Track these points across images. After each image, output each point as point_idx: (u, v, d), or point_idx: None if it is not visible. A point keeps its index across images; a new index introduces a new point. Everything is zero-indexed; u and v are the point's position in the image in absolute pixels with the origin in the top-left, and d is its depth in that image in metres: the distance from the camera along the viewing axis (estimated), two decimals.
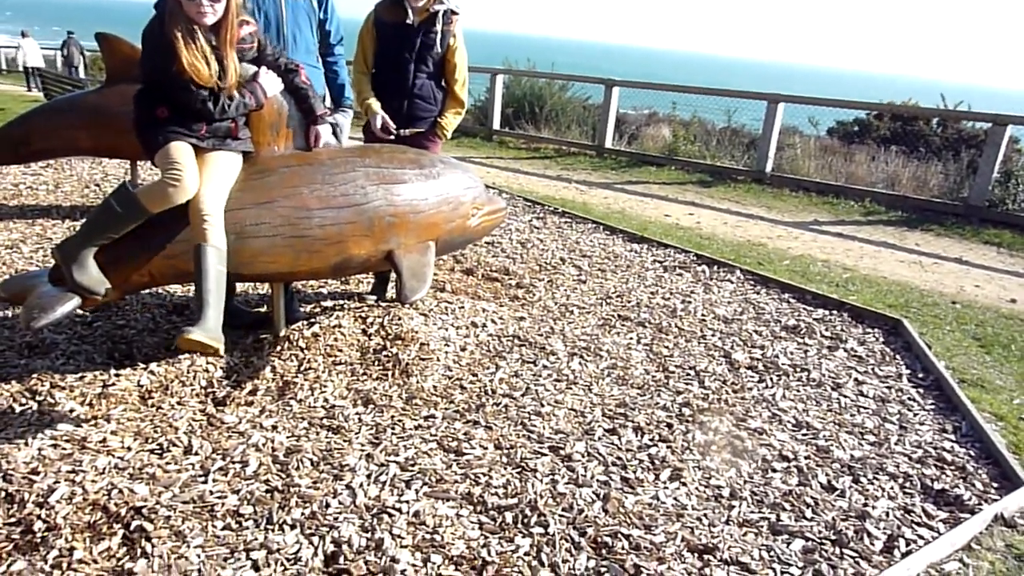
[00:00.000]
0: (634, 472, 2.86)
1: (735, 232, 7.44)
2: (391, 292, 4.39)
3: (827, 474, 2.97)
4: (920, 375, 3.99)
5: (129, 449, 2.76)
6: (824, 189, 9.54)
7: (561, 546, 2.39)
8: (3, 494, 2.42)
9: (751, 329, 4.47)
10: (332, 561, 2.26)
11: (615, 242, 6.29)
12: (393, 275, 3.97)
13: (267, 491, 2.56)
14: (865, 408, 3.58)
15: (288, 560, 2.25)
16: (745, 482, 2.87)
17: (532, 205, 7.52)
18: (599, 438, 3.09)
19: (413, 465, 2.77)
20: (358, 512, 2.48)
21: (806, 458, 3.08)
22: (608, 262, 5.67)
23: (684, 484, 2.81)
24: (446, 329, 3.96)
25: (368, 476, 2.68)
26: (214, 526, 2.37)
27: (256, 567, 2.22)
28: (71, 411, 2.97)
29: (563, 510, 2.57)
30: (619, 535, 2.46)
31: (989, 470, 3.09)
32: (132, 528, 2.31)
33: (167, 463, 2.69)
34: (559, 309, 4.57)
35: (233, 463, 2.71)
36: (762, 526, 2.61)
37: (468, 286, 4.83)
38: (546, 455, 2.93)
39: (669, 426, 3.23)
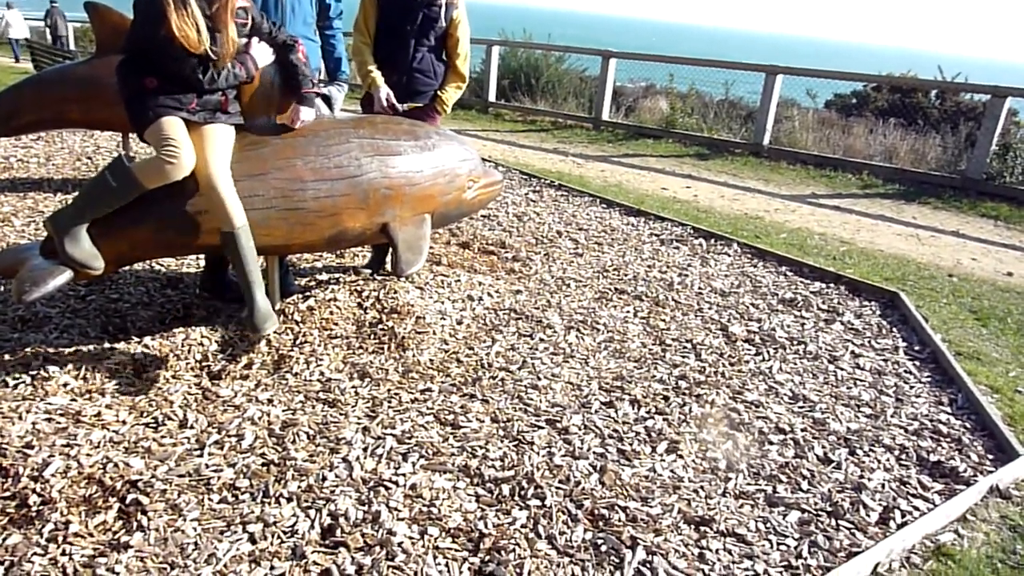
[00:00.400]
0: (631, 445, 2.86)
1: (732, 205, 7.40)
2: (388, 266, 4.36)
3: (823, 446, 2.98)
4: (916, 348, 4.00)
5: (124, 423, 2.74)
6: (822, 162, 9.50)
7: (558, 518, 2.39)
8: None
9: (748, 302, 4.46)
10: (329, 534, 2.26)
11: (612, 215, 6.26)
12: (390, 248, 3.94)
13: (263, 464, 2.56)
14: (861, 381, 3.58)
15: (285, 533, 2.24)
16: (742, 454, 2.87)
17: (528, 178, 7.47)
18: (596, 411, 3.09)
19: (410, 438, 2.77)
20: (355, 485, 2.48)
21: (802, 430, 3.08)
22: (605, 235, 5.64)
23: (681, 456, 2.82)
24: (442, 303, 3.94)
25: (364, 449, 2.67)
26: (210, 499, 2.37)
27: (253, 540, 2.21)
28: (65, 384, 2.95)
29: (560, 482, 2.58)
30: (616, 507, 2.46)
31: (984, 442, 3.10)
32: (128, 502, 2.30)
33: (162, 436, 2.68)
34: (555, 282, 4.55)
35: (229, 436, 2.70)
36: (758, 498, 2.62)
37: (464, 259, 4.80)
38: (543, 428, 2.92)
39: (666, 399, 3.23)
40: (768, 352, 3.80)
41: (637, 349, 3.72)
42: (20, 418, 2.69)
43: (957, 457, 2.97)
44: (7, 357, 3.11)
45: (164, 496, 2.35)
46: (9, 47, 18.84)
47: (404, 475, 2.54)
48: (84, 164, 6.56)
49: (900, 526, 2.51)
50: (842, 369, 3.68)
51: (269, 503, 2.37)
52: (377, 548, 2.20)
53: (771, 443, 2.97)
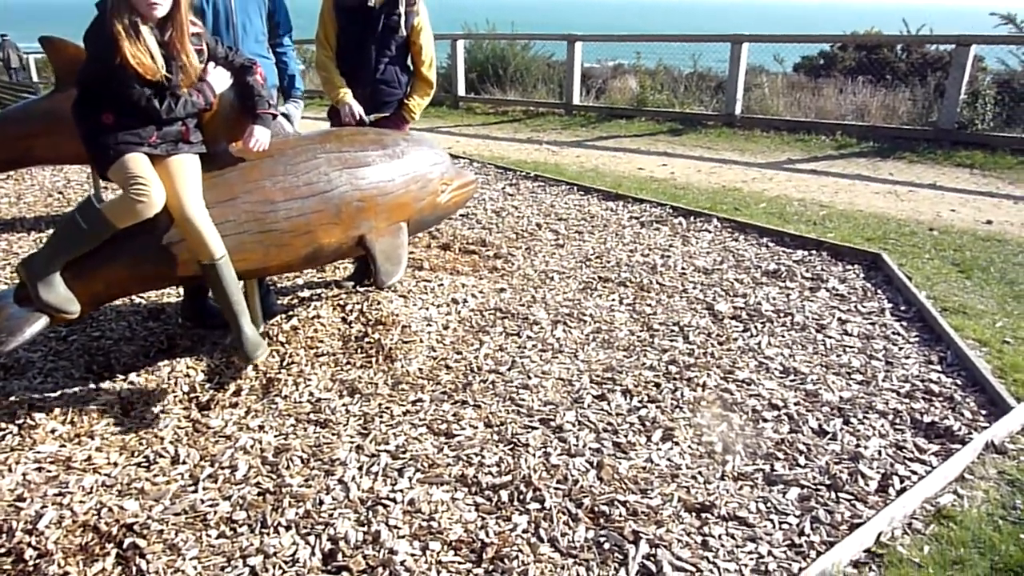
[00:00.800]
0: (626, 436, 2.86)
1: (709, 179, 7.40)
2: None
3: (817, 418, 2.98)
4: (902, 308, 4.01)
5: (115, 465, 2.72)
6: (795, 127, 9.50)
7: (559, 519, 2.39)
8: None
9: (732, 278, 4.46)
10: (330, 559, 2.24)
11: (590, 202, 6.24)
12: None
13: (259, 494, 2.54)
14: (851, 347, 3.59)
15: (286, 562, 2.23)
16: (737, 435, 2.87)
17: (504, 172, 7.44)
18: (588, 405, 3.08)
19: (404, 452, 2.75)
20: (352, 506, 2.46)
21: (795, 404, 3.09)
22: (585, 223, 5.63)
23: (676, 444, 2.82)
24: (427, 309, 3.92)
25: (360, 468, 2.66)
26: (208, 535, 2.35)
27: (255, 573, 2.20)
28: (53, 431, 2.92)
29: (558, 482, 2.57)
30: (615, 502, 2.46)
31: (977, 397, 3.12)
32: (125, 546, 2.28)
33: (155, 475, 2.66)
34: (539, 277, 4.54)
35: (222, 469, 2.68)
36: (757, 478, 2.62)
37: (446, 262, 4.78)
38: (537, 428, 2.92)
39: (657, 386, 3.23)
40: (756, 327, 3.80)
41: (625, 337, 3.71)
42: (10, 470, 2.66)
43: (951, 416, 2.98)
44: None
45: (161, 536, 2.33)
46: None
47: (401, 491, 2.53)
48: (56, 199, 6.49)
49: (899, 492, 2.52)
50: (830, 337, 3.69)
51: (268, 533, 2.35)
52: (380, 569, 2.19)
53: (765, 420, 2.98)
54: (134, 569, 2.20)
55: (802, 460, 2.72)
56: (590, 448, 2.78)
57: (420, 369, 3.39)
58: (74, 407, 3.06)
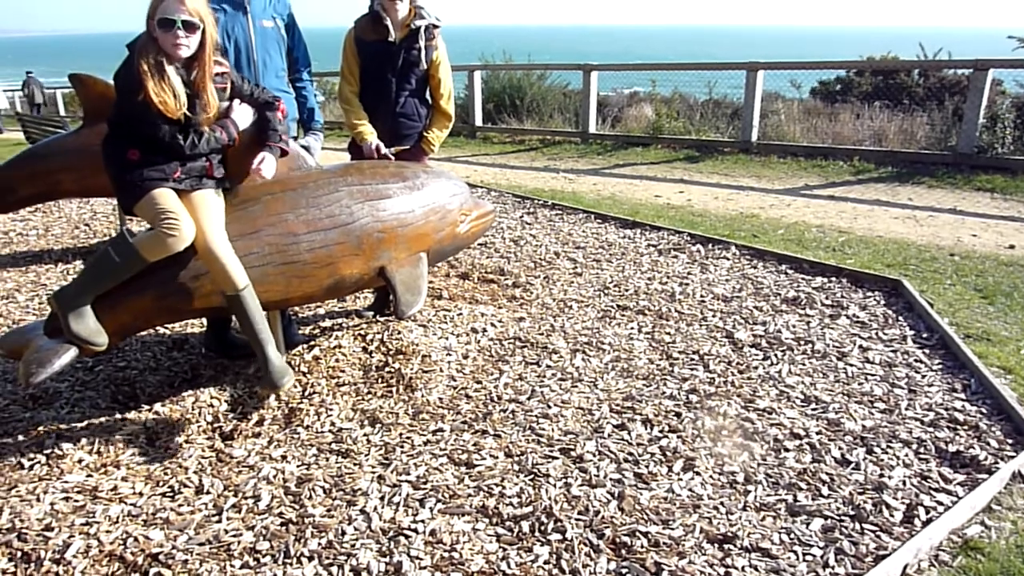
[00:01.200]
0: (646, 466, 2.85)
1: (727, 206, 7.41)
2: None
3: (840, 448, 2.96)
4: (924, 335, 3.98)
5: (141, 495, 2.75)
6: (812, 152, 9.51)
7: (580, 551, 2.38)
8: (19, 554, 2.41)
9: (751, 305, 4.45)
10: None
11: (608, 229, 6.27)
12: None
13: (282, 524, 2.56)
14: (872, 375, 3.57)
15: None
16: (759, 465, 2.86)
17: (522, 200, 7.50)
18: (608, 435, 3.08)
19: (425, 483, 2.77)
20: (374, 536, 2.47)
21: (817, 433, 3.07)
22: (602, 251, 5.65)
23: (698, 474, 2.81)
24: (446, 338, 3.95)
25: (381, 498, 2.67)
26: (232, 566, 2.36)
27: None
28: (80, 460, 2.96)
29: (579, 513, 2.57)
30: (637, 533, 2.45)
31: (1003, 426, 3.08)
32: None
33: (180, 505, 2.68)
34: (557, 305, 4.56)
35: (246, 499, 2.70)
36: (779, 508, 2.60)
37: (465, 291, 4.81)
38: (557, 458, 2.92)
39: (678, 415, 3.22)
40: (776, 355, 3.79)
41: (644, 366, 3.71)
42: (38, 499, 2.70)
43: (976, 445, 2.95)
44: (21, 437, 3.12)
45: (186, 567, 2.35)
46: None
47: (423, 521, 2.54)
48: (83, 232, 6.62)
49: (925, 523, 2.49)
50: (852, 365, 3.67)
51: (291, 563, 2.36)
52: None
53: (787, 450, 2.96)
54: None
55: (825, 490, 2.70)
56: (611, 479, 2.78)
57: (440, 398, 3.41)
58: (100, 437, 3.10)
